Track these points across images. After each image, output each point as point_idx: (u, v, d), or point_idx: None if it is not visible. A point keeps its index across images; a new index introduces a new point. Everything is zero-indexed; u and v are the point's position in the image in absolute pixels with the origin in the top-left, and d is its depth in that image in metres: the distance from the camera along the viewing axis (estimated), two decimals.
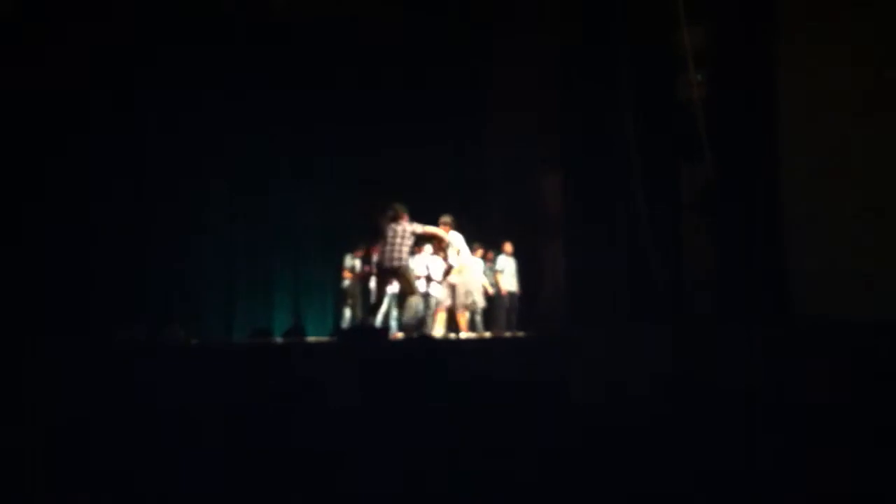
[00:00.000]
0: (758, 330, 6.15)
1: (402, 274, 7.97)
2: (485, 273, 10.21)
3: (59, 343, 7.03)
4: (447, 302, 9.51)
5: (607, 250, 9.47)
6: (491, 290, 10.19)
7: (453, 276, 9.37)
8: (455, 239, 8.77)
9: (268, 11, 10.29)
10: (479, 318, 9.97)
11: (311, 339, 9.98)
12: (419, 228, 8.01)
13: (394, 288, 8.99)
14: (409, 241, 7.95)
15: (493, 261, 10.46)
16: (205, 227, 10.25)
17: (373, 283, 9.69)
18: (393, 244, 7.87)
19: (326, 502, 3.03)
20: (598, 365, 4.59)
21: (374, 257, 9.22)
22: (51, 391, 4.75)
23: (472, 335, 9.45)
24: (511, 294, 10.46)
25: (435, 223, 8.66)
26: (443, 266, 9.53)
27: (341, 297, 10.38)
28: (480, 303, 9.78)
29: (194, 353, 7.49)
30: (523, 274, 10.72)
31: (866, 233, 6.75)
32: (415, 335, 8.08)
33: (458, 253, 8.89)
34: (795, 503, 3.01)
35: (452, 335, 9.11)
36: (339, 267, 10.38)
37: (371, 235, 9.26)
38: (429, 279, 9.67)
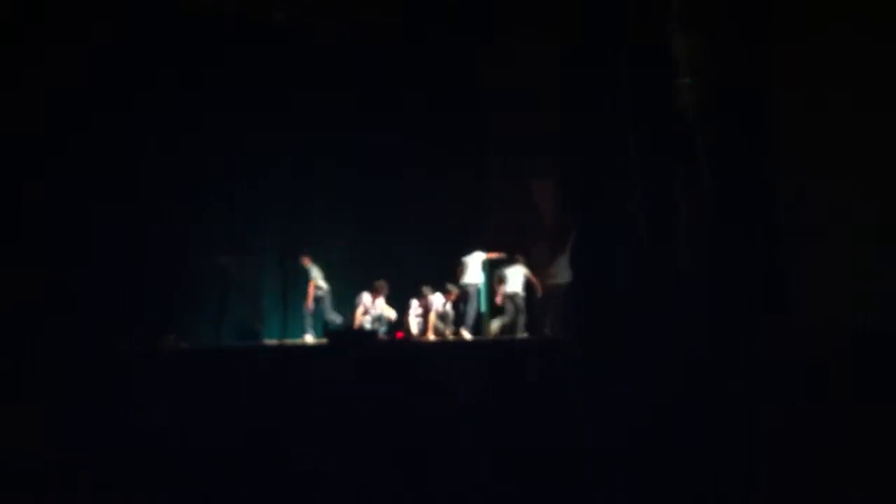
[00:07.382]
0: (757, 335, 6.15)
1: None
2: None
3: (59, 353, 6.97)
4: None
5: (606, 256, 9.47)
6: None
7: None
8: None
9: (268, 16, 10.22)
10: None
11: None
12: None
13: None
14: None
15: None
16: (200, 230, 10.16)
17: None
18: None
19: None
20: (597, 368, 4.59)
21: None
22: (51, 399, 4.70)
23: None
24: None
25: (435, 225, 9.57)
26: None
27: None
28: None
29: (188, 359, 7.47)
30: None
31: (866, 234, 6.77)
32: None
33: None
34: (795, 502, 3.01)
35: None
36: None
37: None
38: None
